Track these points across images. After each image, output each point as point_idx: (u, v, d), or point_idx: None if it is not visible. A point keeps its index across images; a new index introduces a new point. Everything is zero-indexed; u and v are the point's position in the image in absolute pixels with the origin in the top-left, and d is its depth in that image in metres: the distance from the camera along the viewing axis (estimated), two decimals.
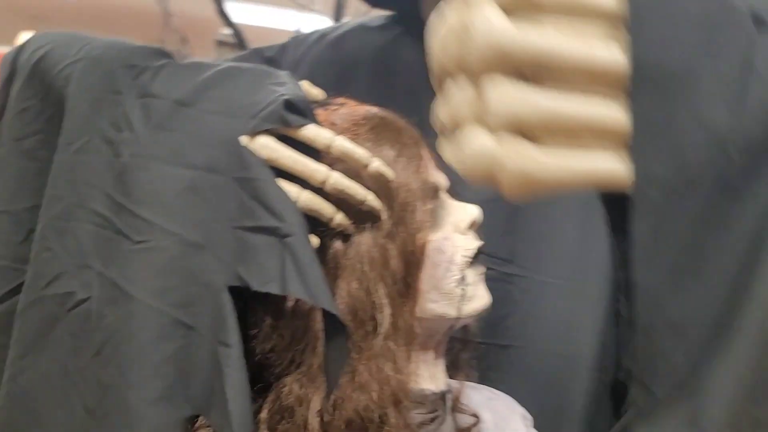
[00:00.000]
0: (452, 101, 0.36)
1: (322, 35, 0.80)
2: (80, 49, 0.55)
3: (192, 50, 2.69)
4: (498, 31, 0.32)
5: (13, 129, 0.57)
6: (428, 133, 0.69)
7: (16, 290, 0.57)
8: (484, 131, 0.34)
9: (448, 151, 0.38)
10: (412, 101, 0.71)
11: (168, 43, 2.82)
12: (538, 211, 0.73)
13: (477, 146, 0.34)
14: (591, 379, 0.72)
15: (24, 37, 0.64)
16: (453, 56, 0.35)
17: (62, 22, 5.81)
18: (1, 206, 0.57)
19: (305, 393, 0.46)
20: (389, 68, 0.76)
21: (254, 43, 2.30)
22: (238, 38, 2.09)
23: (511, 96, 0.32)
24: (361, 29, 0.80)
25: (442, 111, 0.37)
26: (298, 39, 0.82)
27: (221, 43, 2.80)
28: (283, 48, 0.81)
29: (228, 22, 2.17)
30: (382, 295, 0.48)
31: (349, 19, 0.90)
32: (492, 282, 0.66)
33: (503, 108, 0.32)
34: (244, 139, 0.48)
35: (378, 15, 0.82)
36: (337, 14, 1.99)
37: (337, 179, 0.48)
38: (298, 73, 0.77)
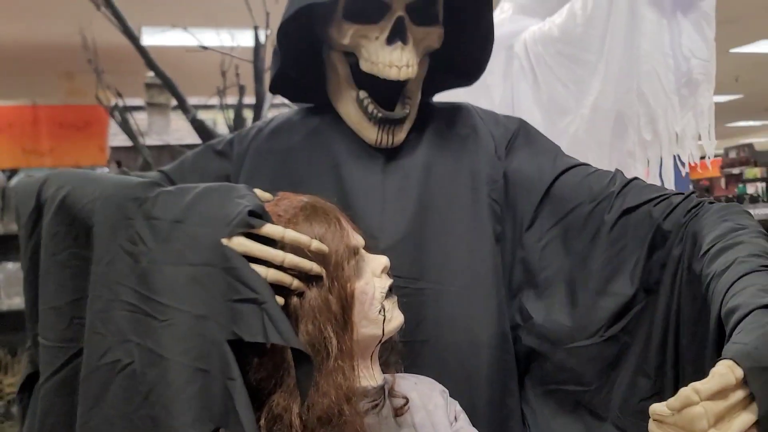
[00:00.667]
0: None
1: (259, 129, 1.04)
2: (95, 189, 0.77)
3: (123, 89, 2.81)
4: None
5: (48, 248, 0.79)
6: (346, 200, 0.93)
7: (66, 363, 0.79)
8: None
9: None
10: (336, 176, 0.97)
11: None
12: (437, 240, 0.99)
13: None
14: (490, 355, 0.98)
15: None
16: None
17: None
18: (48, 304, 0.80)
19: (288, 404, 0.71)
20: (316, 148, 1.00)
21: (175, 66, 2.45)
22: (164, 81, 2.26)
23: None
24: (289, 122, 1.04)
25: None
26: (241, 135, 1.05)
27: (149, 86, 2.94)
28: (230, 143, 1.03)
29: (151, 64, 2.33)
30: (329, 331, 0.73)
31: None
32: (409, 296, 0.91)
33: None
34: (224, 241, 0.72)
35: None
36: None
37: (290, 258, 0.73)
38: (246, 163, 1.01)
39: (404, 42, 0.93)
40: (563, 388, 0.98)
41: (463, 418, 0.88)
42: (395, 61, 0.92)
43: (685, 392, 0.54)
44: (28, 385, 0.89)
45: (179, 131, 2.97)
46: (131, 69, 2.75)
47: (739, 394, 0.56)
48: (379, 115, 0.96)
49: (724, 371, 0.55)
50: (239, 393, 0.69)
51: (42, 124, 5.33)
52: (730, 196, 6.78)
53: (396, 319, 0.81)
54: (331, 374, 0.72)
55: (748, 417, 0.56)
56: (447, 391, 0.90)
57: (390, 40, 0.92)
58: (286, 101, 2.46)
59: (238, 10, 2.28)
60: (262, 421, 0.71)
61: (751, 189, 9.50)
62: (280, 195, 0.83)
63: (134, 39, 2.31)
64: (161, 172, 1.03)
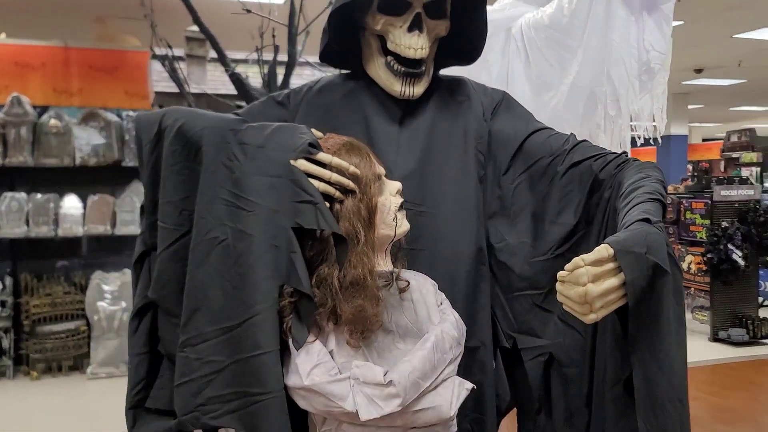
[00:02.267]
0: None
1: (309, 87, 1.38)
2: (203, 121, 1.13)
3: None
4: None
5: (168, 160, 1.15)
6: (374, 146, 1.28)
7: (178, 239, 1.16)
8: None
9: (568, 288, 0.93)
10: (365, 125, 1.32)
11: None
12: (435, 177, 1.33)
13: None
14: (469, 263, 1.33)
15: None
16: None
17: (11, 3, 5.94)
18: (166, 198, 1.16)
19: (330, 271, 1.07)
20: (352, 106, 1.35)
21: (216, 23, 2.73)
22: (208, 36, 2.57)
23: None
24: (332, 83, 1.38)
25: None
26: (295, 91, 1.39)
27: (190, 39, 3.24)
28: (288, 96, 1.38)
29: (197, 20, 2.64)
30: (359, 227, 1.09)
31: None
32: (412, 215, 1.26)
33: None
34: (292, 161, 1.07)
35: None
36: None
37: (335, 177, 1.08)
38: (300, 112, 1.35)
39: (420, 31, 1.26)
40: (524, 293, 1.34)
41: (447, 303, 1.24)
42: (413, 44, 1.26)
43: (575, 259, 0.90)
44: (140, 260, 1.25)
45: (214, 81, 3.27)
46: (174, 22, 3.04)
47: (611, 265, 0.91)
48: (403, 69, 1.29)
49: (601, 249, 0.91)
50: (299, 262, 1.05)
51: (73, 65, 5.62)
52: (724, 178, 7.12)
53: (404, 225, 1.17)
54: (359, 255, 1.08)
55: (616, 280, 0.92)
56: (436, 284, 1.26)
57: (410, 29, 1.26)
58: (311, 62, 2.79)
59: None
60: (313, 281, 1.08)
61: (746, 172, 9.76)
62: (328, 135, 1.18)
63: None
64: (236, 114, 1.38)
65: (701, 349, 5.70)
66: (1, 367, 5.07)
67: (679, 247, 6.36)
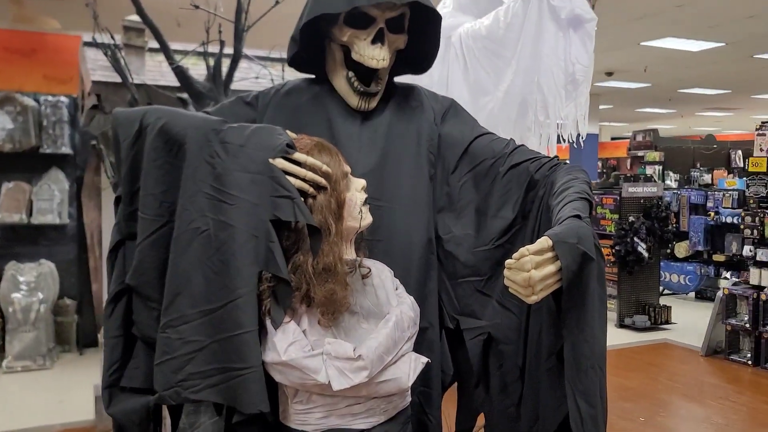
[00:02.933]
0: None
1: (276, 90, 1.48)
2: (186, 121, 1.22)
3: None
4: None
5: (150, 156, 1.23)
6: (338, 146, 1.39)
7: (157, 230, 1.24)
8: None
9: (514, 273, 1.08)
10: (329, 126, 1.43)
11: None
12: (391, 175, 1.47)
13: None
14: (420, 252, 1.48)
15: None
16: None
17: None
18: (147, 191, 1.24)
19: (305, 259, 1.19)
20: (317, 109, 1.46)
21: (157, 12, 2.74)
22: (151, 28, 2.59)
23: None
24: (298, 87, 1.49)
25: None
26: (263, 93, 1.49)
27: (128, 28, 3.21)
28: (256, 97, 1.47)
29: (140, 11, 2.65)
30: (330, 219, 1.21)
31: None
32: (372, 209, 1.39)
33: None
34: (271, 160, 1.18)
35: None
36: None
37: (310, 174, 1.20)
38: (268, 113, 1.45)
39: (382, 43, 1.40)
40: (467, 279, 1.50)
41: (402, 288, 1.38)
42: (376, 56, 1.39)
43: (521, 249, 1.07)
44: (114, 249, 1.32)
45: (152, 72, 3.27)
46: (110, 10, 3.02)
47: (549, 254, 1.08)
48: (361, 89, 1.43)
49: (542, 240, 1.08)
50: (277, 250, 1.16)
51: None
52: (631, 175, 7.65)
53: (367, 218, 1.30)
54: (330, 245, 1.21)
55: (553, 267, 1.09)
56: (392, 271, 1.40)
57: (374, 42, 1.39)
58: (249, 55, 2.86)
59: None
60: (289, 268, 1.19)
61: (650, 170, 10.45)
62: (300, 135, 1.29)
63: None
64: (206, 113, 1.46)
65: (608, 334, 6.11)
66: None
67: None
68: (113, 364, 1.29)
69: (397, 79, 1.61)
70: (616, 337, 6.00)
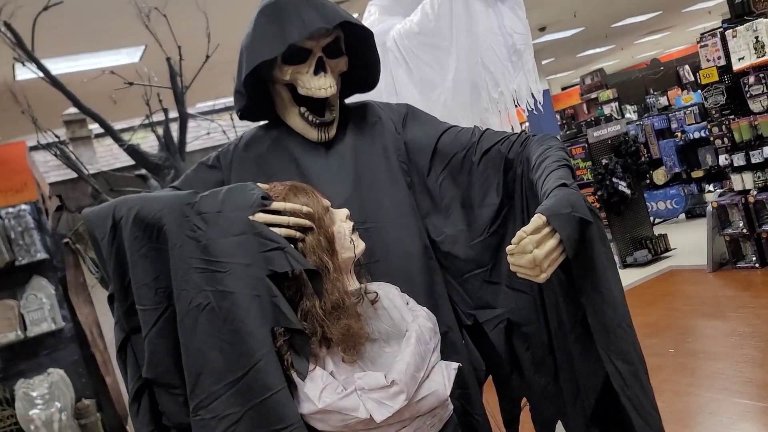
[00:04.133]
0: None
1: (235, 145, 1.47)
2: (158, 203, 1.20)
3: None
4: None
5: (132, 247, 1.21)
6: (306, 181, 1.38)
7: (159, 317, 1.22)
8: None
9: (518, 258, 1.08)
10: (296, 166, 1.42)
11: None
12: (369, 195, 1.46)
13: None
14: (419, 261, 1.47)
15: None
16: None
17: None
18: (139, 283, 1.22)
19: (312, 303, 1.18)
20: (279, 152, 1.45)
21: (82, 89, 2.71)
22: (92, 116, 2.57)
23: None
24: (255, 137, 1.48)
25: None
26: (222, 152, 1.48)
27: (69, 122, 3.17)
28: (217, 158, 1.46)
29: (76, 103, 2.63)
30: (325, 258, 1.21)
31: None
32: (361, 234, 1.39)
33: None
34: (250, 217, 1.17)
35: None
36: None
37: (293, 220, 1.19)
38: (233, 170, 1.44)
39: (325, 72, 1.40)
40: (472, 273, 1.50)
41: (412, 302, 1.38)
42: (322, 85, 1.39)
43: (518, 233, 1.07)
44: (122, 347, 1.30)
45: (105, 157, 3.23)
46: (48, 107, 2.99)
47: (547, 230, 1.09)
48: (317, 121, 1.43)
49: (536, 218, 1.08)
50: (282, 303, 1.15)
51: None
52: (591, 119, 7.74)
53: (360, 245, 1.30)
54: (332, 282, 1.20)
55: (554, 241, 1.09)
56: (398, 287, 1.39)
57: (316, 72, 1.39)
58: (192, 114, 2.84)
59: (122, 31, 2.58)
60: (299, 316, 1.18)
61: (607, 110, 10.57)
62: (272, 183, 1.29)
63: (55, 80, 2.59)
64: (173, 187, 1.44)
65: None
66: None
67: None
68: None
69: (348, 100, 1.61)
70: (622, 278, 5.99)
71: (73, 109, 2.79)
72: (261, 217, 1.18)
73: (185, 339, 1.18)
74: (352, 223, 1.30)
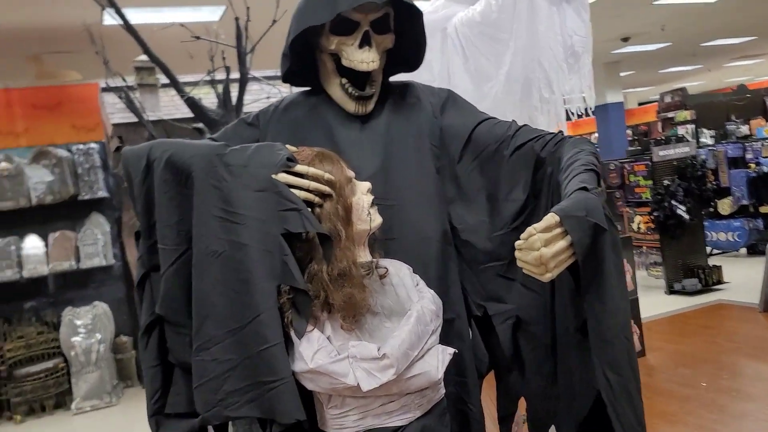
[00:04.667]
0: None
1: (275, 107, 1.52)
2: (190, 150, 1.26)
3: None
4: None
5: (161, 189, 1.28)
6: (340, 153, 1.42)
7: (178, 258, 1.28)
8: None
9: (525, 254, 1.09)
10: (330, 135, 1.46)
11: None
12: (397, 173, 1.49)
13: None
14: (437, 245, 1.49)
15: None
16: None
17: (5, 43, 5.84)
18: (164, 223, 1.28)
19: (319, 267, 1.22)
20: (316, 119, 1.49)
21: (162, 48, 2.83)
22: (159, 66, 2.67)
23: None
24: (295, 101, 1.52)
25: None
26: (263, 111, 1.53)
27: (139, 69, 3.31)
28: (257, 117, 1.51)
29: (147, 51, 2.74)
30: (339, 225, 1.24)
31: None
32: (381, 209, 1.41)
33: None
34: (273, 176, 1.21)
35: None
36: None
37: (313, 185, 1.23)
38: (270, 130, 1.49)
39: (370, 46, 1.42)
40: (488, 266, 1.51)
41: (422, 283, 1.39)
42: (365, 59, 1.41)
43: (528, 229, 1.07)
44: (141, 282, 1.37)
45: (167, 107, 3.36)
46: (118, 53, 3.12)
47: (558, 230, 1.09)
48: (356, 94, 1.45)
49: (548, 217, 1.08)
50: (291, 262, 1.20)
51: (15, 106, 5.59)
52: (661, 138, 7.48)
53: (377, 219, 1.33)
54: (342, 250, 1.23)
55: (564, 242, 1.09)
56: (411, 268, 1.41)
57: (361, 46, 1.42)
58: (257, 76, 2.91)
59: None
60: (305, 278, 1.22)
61: (682, 131, 10.20)
62: (301, 148, 1.32)
63: (129, 25, 2.70)
64: (211, 139, 1.50)
65: (659, 302, 6.02)
66: None
67: (627, 209, 6.69)
68: (155, 393, 1.33)
69: (398, 77, 1.62)
70: (666, 304, 5.89)
71: (144, 57, 2.90)
72: (283, 177, 1.22)
73: (197, 282, 1.24)
74: (372, 197, 1.33)
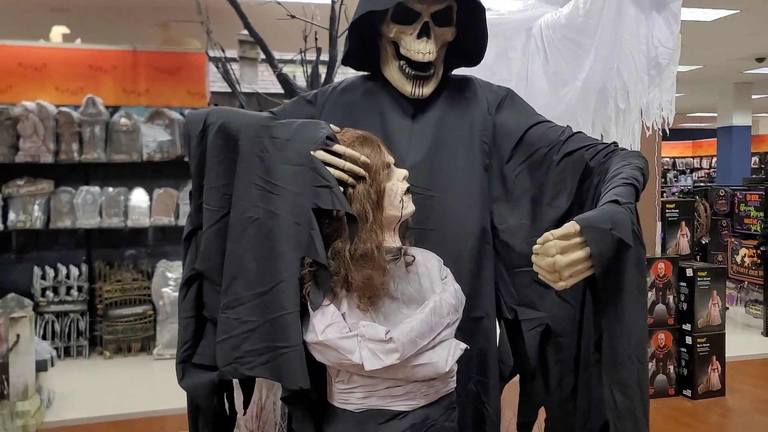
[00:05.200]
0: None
1: (333, 88, 1.57)
2: (240, 119, 1.33)
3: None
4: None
5: (212, 153, 1.36)
6: (389, 138, 1.45)
7: (219, 219, 1.36)
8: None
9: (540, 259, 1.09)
10: (382, 120, 1.49)
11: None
12: (443, 165, 1.50)
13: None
14: (473, 242, 1.49)
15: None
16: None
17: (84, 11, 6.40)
18: (210, 185, 1.37)
19: (343, 246, 1.26)
20: (370, 104, 1.53)
21: (263, 25, 2.96)
22: (257, 40, 2.81)
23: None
24: (353, 84, 1.57)
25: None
26: (322, 91, 1.59)
27: (242, 42, 3.48)
28: (315, 96, 1.57)
29: (248, 26, 2.88)
30: (368, 208, 1.27)
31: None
32: (422, 199, 1.43)
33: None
34: (312, 152, 1.26)
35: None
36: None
37: (348, 165, 1.27)
38: (325, 109, 1.54)
39: (428, 37, 1.43)
40: (524, 269, 1.49)
41: (450, 277, 1.40)
42: (422, 49, 1.43)
43: (546, 234, 1.06)
44: (188, 237, 1.47)
45: (265, 81, 3.51)
46: (230, 25, 3.28)
47: (577, 240, 1.07)
48: (413, 72, 1.47)
49: (569, 225, 1.06)
50: (317, 237, 1.24)
51: (140, 67, 6.02)
52: None
53: (409, 207, 1.35)
54: (368, 232, 1.27)
55: (582, 253, 1.07)
56: (441, 260, 1.42)
57: (419, 36, 1.43)
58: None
59: None
60: (328, 254, 1.27)
61: None
62: (345, 129, 1.37)
63: (233, 1, 2.85)
64: (271, 113, 1.58)
65: (754, 342, 5.63)
66: (77, 347, 5.52)
67: (733, 239, 6.27)
68: (186, 343, 1.43)
69: (468, 71, 1.63)
70: (761, 346, 5.49)
71: (246, 31, 3.05)
72: (321, 155, 1.27)
73: (231, 243, 1.31)
74: (407, 185, 1.35)
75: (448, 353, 1.27)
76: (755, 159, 14.49)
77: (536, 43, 2.10)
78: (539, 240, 1.08)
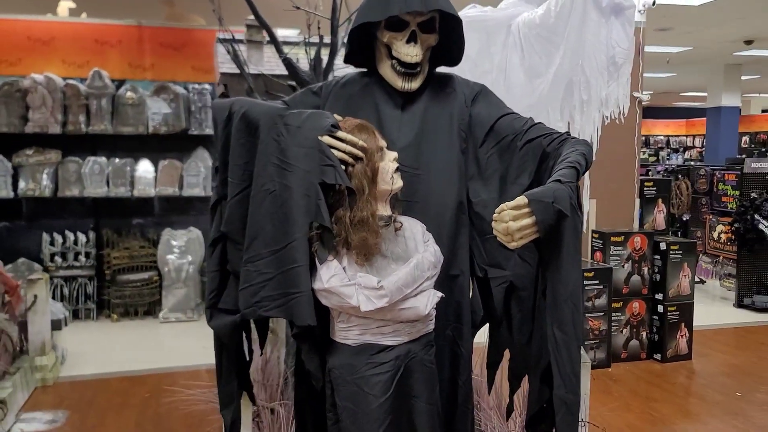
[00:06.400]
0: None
1: (336, 81, 1.86)
2: (260, 109, 1.63)
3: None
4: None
5: (236, 136, 1.65)
6: (382, 125, 1.75)
7: (241, 191, 1.66)
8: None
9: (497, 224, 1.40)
10: (376, 110, 1.79)
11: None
12: (427, 147, 1.79)
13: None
14: (452, 212, 1.79)
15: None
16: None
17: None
18: (234, 162, 1.66)
19: (344, 213, 1.56)
20: (367, 96, 1.82)
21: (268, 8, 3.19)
22: (264, 26, 3.06)
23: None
24: (352, 79, 1.86)
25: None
26: (326, 83, 1.87)
27: (249, 26, 3.72)
28: (320, 88, 1.86)
29: (255, 13, 3.13)
30: (364, 182, 1.57)
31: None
32: (410, 177, 1.73)
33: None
34: (320, 137, 1.56)
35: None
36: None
37: (349, 148, 1.57)
38: (329, 100, 1.83)
39: (415, 42, 1.72)
40: (493, 236, 1.80)
41: (432, 240, 1.70)
42: (410, 53, 1.72)
43: (501, 205, 1.37)
44: (214, 206, 1.77)
45: (270, 63, 3.76)
46: (237, 7, 3.51)
47: (526, 210, 1.37)
48: (403, 70, 1.75)
49: (519, 198, 1.37)
50: (323, 206, 1.54)
51: (146, 42, 6.23)
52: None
53: (397, 182, 1.64)
54: (364, 202, 1.57)
55: (530, 220, 1.37)
56: (425, 226, 1.73)
57: (408, 41, 1.72)
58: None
59: None
60: (332, 220, 1.57)
61: None
62: (346, 118, 1.66)
63: None
64: (284, 102, 1.86)
65: (724, 313, 5.99)
66: (86, 310, 5.84)
67: (711, 217, 6.60)
68: (213, 291, 1.74)
69: (453, 70, 1.91)
70: (731, 316, 5.85)
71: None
72: (327, 139, 1.56)
73: (252, 210, 1.61)
74: (397, 165, 1.65)
75: (427, 300, 1.58)
76: (745, 138, 14.75)
77: (514, 39, 2.38)
78: (496, 210, 1.38)
